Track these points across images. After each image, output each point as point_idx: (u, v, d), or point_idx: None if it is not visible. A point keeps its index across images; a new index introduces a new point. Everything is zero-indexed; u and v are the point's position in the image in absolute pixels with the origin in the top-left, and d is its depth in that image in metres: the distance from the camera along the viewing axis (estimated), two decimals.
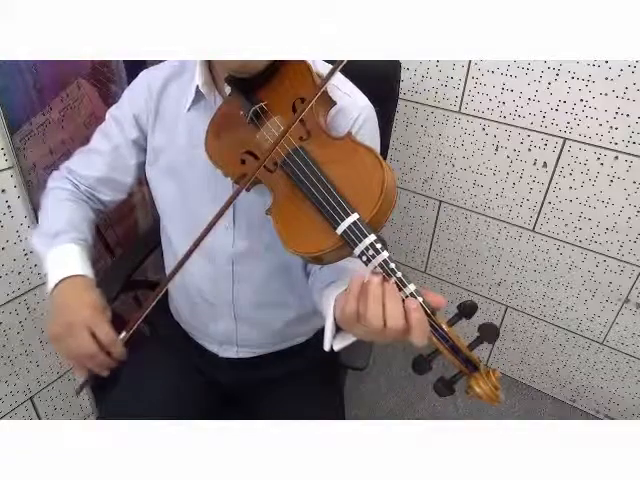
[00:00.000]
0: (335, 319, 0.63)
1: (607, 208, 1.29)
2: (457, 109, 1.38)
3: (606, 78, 1.15)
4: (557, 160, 1.30)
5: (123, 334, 0.70)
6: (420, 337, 0.52)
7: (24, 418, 1.25)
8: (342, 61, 0.63)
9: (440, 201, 1.56)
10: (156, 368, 0.96)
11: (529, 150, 1.33)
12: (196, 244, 0.65)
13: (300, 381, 0.93)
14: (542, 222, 1.41)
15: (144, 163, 0.87)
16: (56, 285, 0.74)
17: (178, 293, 0.96)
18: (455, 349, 0.55)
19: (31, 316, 1.17)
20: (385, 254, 0.54)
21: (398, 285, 0.54)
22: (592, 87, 1.18)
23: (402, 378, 1.72)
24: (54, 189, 0.87)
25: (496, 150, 1.38)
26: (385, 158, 1.19)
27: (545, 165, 1.33)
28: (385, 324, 0.53)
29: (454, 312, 0.56)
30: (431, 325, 0.54)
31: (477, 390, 0.55)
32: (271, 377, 0.95)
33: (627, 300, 1.38)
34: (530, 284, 1.53)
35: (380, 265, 0.54)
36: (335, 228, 0.56)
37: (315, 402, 0.92)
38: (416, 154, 1.52)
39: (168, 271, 0.97)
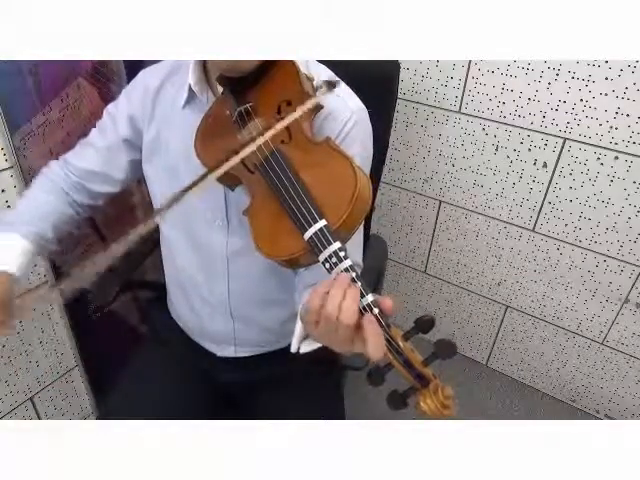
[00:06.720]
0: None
1: (607, 208, 1.29)
2: (457, 109, 1.38)
3: (606, 78, 1.15)
4: (557, 160, 1.30)
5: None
6: (376, 350, 0.52)
7: (24, 418, 1.24)
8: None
9: (440, 201, 1.56)
10: (155, 368, 0.97)
11: (529, 150, 1.33)
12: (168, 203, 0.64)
13: (299, 381, 0.93)
14: (542, 222, 1.41)
15: (139, 162, 0.87)
16: None
17: (175, 293, 0.96)
18: (408, 363, 0.54)
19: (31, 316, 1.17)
20: (348, 262, 0.54)
21: None
22: (592, 87, 1.18)
23: (402, 377, 1.72)
24: (42, 176, 0.90)
25: (496, 150, 1.38)
26: (385, 158, 1.19)
27: (545, 165, 1.33)
28: (339, 315, 0.52)
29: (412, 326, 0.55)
30: (385, 338, 0.53)
31: (423, 406, 0.54)
32: (270, 376, 0.94)
33: (627, 300, 1.38)
34: (530, 284, 1.53)
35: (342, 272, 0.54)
36: (303, 233, 0.56)
37: (315, 402, 0.92)
38: (416, 154, 1.52)
39: (166, 267, 0.97)
